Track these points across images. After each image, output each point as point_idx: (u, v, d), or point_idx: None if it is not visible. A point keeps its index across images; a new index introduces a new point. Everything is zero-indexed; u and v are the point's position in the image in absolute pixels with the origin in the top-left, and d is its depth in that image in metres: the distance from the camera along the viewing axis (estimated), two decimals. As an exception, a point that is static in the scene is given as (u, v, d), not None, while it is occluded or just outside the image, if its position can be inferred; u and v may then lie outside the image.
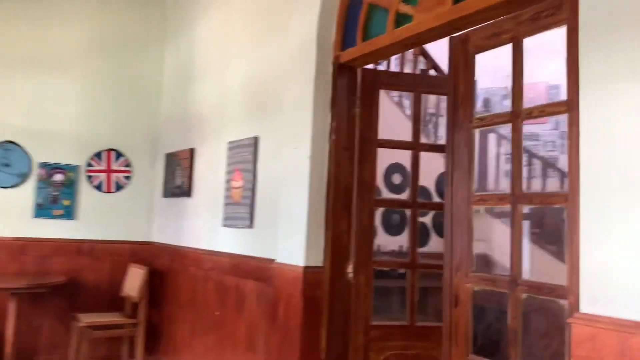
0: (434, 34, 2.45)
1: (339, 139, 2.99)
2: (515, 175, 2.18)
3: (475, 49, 2.39)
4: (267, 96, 3.59)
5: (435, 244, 5.22)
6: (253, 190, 3.66)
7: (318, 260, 2.96)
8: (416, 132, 3.10)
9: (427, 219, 5.41)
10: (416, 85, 3.10)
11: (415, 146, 3.09)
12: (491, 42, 2.32)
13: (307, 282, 2.89)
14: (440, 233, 5.31)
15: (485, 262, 5.10)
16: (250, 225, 3.64)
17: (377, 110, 3.06)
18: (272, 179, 3.45)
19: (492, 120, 2.34)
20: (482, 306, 2.98)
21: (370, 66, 3.10)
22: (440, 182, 5.27)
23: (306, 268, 2.90)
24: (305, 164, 2.97)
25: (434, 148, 3.26)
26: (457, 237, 2.40)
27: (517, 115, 2.18)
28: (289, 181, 3.11)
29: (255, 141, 3.67)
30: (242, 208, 3.76)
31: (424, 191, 5.41)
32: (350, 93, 3.05)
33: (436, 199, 5.39)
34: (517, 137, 2.18)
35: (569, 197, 1.94)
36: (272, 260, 3.24)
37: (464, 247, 2.37)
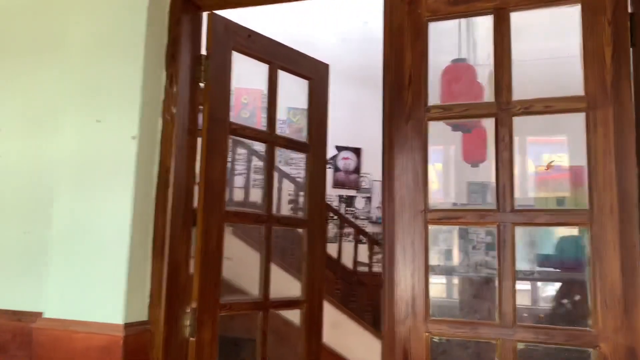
0: (374, -18, 1.74)
1: (181, 115, 1.90)
2: (504, 188, 1.65)
3: (430, 14, 1.78)
4: (10, 28, 2.10)
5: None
6: (-38, 189, 2.08)
7: (142, 311, 1.79)
8: (271, 122, 2.25)
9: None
10: (275, 57, 2.26)
11: (271, 139, 2.24)
12: (458, 9, 1.75)
13: (129, 352, 1.69)
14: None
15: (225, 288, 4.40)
16: (-45, 250, 2.05)
17: (229, 80, 2.09)
18: (17, 168, 2.00)
19: (465, 112, 1.77)
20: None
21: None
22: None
23: (129, 327, 1.70)
24: (128, 150, 1.77)
25: (295, 144, 2.45)
26: (405, 269, 1.72)
27: (506, 107, 1.66)
28: (81, 177, 1.81)
29: (-29, 104, 2.10)
30: None
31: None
32: (195, 48, 2.00)
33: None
34: (506, 134, 1.66)
35: (594, 216, 1.54)
36: (22, 314, 1.85)
37: (416, 282, 1.70)
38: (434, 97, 1.76)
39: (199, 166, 1.98)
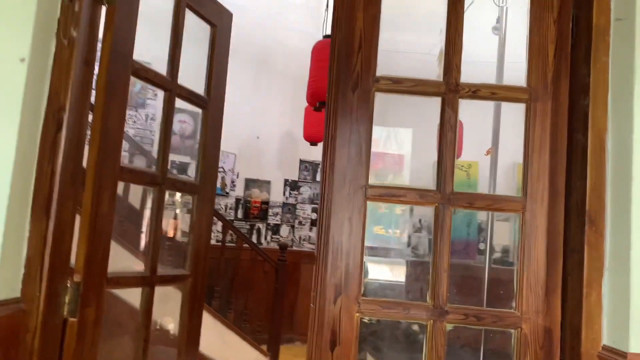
0: None
1: (80, 40, 1.50)
2: (446, 170, 1.63)
3: (386, -24, 1.68)
4: None
5: None
6: None
7: (14, 286, 1.39)
8: (174, 66, 1.92)
9: None
10: (185, -9, 1.93)
11: (173, 88, 1.92)
12: (415, -21, 1.68)
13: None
14: None
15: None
16: None
17: (137, 7, 1.72)
18: None
19: (414, 87, 1.67)
20: (376, 345, 2.14)
21: None
22: None
23: (1, 306, 1.30)
24: (13, 76, 1.34)
25: (194, 98, 2.09)
26: (340, 247, 1.60)
27: (455, 88, 1.64)
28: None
29: None
30: None
31: None
32: (100, -40, 1.60)
33: None
34: (452, 116, 1.64)
35: (527, 203, 1.61)
36: None
37: (350, 260, 1.60)
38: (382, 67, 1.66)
39: (94, 108, 1.60)
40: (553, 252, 1.60)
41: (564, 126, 1.63)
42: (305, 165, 6.68)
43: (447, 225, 1.61)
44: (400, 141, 6.31)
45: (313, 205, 6.65)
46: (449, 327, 1.61)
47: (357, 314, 1.59)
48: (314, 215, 6.64)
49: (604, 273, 1.49)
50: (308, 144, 5.74)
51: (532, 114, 1.64)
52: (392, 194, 1.65)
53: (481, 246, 6.80)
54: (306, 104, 5.41)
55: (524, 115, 1.65)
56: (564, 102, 1.63)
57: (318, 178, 6.68)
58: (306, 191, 6.67)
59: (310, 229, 6.65)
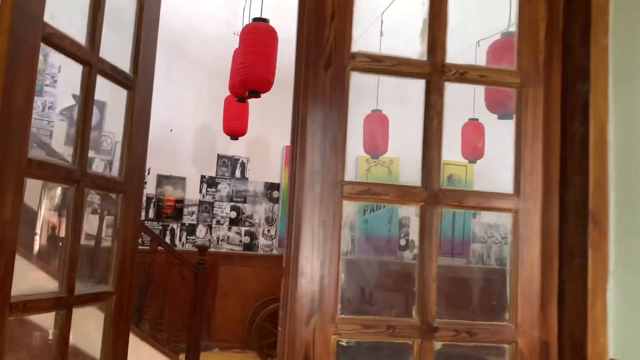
0: None
1: (-28, -11, 1.12)
2: (431, 162, 1.41)
3: (362, -63, 1.42)
4: None
5: None
6: None
7: None
8: (95, 35, 1.55)
9: None
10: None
11: (94, 62, 1.54)
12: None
13: None
14: None
15: None
16: None
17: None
18: None
19: (396, 67, 1.41)
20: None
21: None
22: None
23: None
24: None
25: (118, 75, 1.69)
26: (313, 256, 1.33)
27: (441, 69, 1.42)
28: None
29: None
30: None
31: None
32: None
33: None
34: (437, 100, 1.42)
35: (520, 201, 1.44)
36: None
37: (326, 272, 1.33)
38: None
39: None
40: (548, 256, 1.43)
41: (557, 114, 1.47)
42: (224, 160, 6.29)
43: (435, 228, 1.39)
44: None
45: (232, 203, 6.28)
46: (438, 345, 1.39)
47: (334, 336, 1.33)
48: (233, 214, 6.27)
49: (609, 279, 1.34)
50: (227, 138, 5.39)
51: (524, 100, 1.46)
52: (373, 192, 1.40)
53: (402, 242, 6.79)
54: (226, 95, 5.06)
55: (515, 102, 1.47)
56: (556, 87, 1.47)
57: (237, 174, 6.32)
58: (224, 188, 6.28)
59: (229, 229, 6.28)
